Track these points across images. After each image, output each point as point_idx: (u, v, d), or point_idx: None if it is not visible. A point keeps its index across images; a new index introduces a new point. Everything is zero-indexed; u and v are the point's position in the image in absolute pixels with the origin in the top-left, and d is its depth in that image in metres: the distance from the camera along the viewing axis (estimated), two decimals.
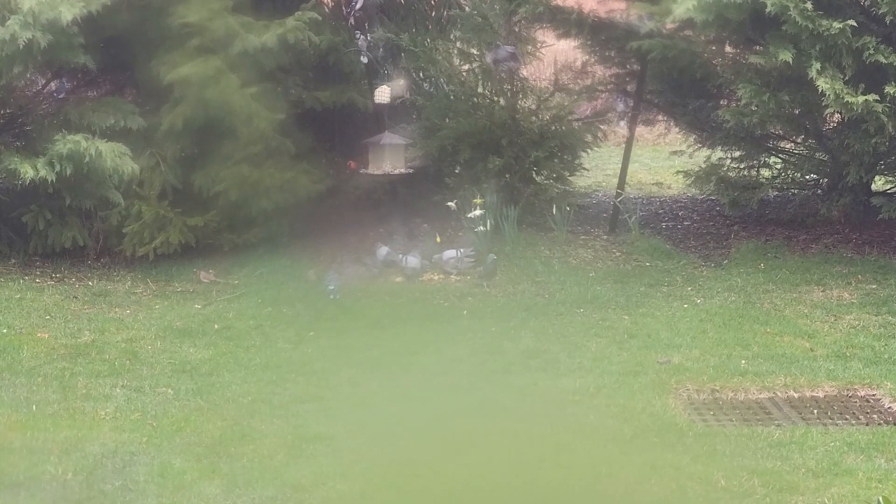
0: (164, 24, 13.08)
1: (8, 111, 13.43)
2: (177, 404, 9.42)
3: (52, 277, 12.89)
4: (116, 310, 11.92)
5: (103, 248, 13.50)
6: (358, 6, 13.95)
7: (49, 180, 12.39)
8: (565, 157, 15.06)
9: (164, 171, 13.26)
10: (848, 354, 10.61)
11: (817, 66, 12.51)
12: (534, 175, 14.84)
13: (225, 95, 12.92)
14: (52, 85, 14.45)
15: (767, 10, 12.49)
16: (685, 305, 12.18)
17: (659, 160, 19.94)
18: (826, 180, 15.28)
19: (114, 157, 12.49)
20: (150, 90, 13.28)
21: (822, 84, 12.44)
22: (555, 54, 15.99)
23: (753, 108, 13.41)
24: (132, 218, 13.19)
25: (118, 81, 13.81)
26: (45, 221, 13.13)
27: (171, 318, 11.69)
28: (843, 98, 12.41)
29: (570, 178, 15.30)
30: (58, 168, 12.36)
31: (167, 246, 13.14)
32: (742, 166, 15.95)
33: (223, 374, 10.16)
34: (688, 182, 16.17)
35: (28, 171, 12.25)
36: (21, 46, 12.13)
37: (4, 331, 11.13)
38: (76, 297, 12.17)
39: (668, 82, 15.65)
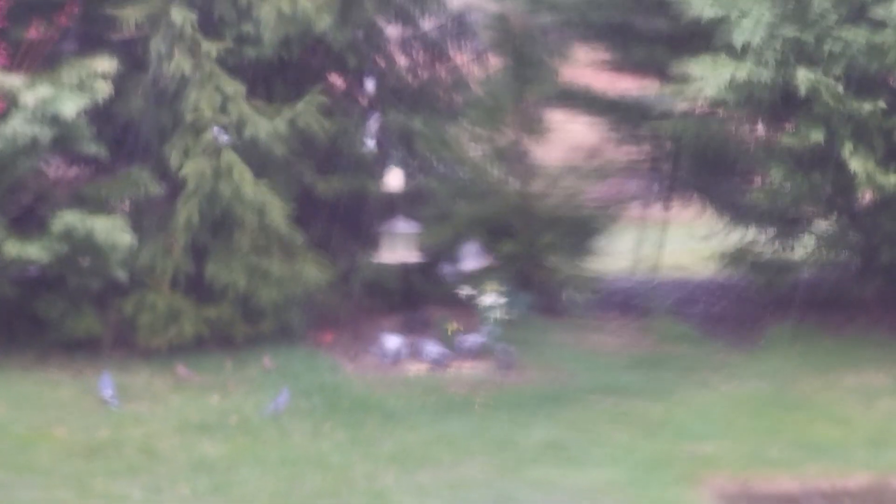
0: (177, 111, 12.99)
1: (22, 201, 13.33)
2: None
3: (68, 370, 12.68)
4: (133, 404, 11.73)
5: (119, 339, 13.32)
6: (369, 89, 13.93)
7: (43, 261, 12.23)
8: (579, 239, 14.91)
9: (178, 259, 13.09)
10: (883, 442, 10.38)
11: (850, 146, 12.41)
12: (547, 258, 14.63)
13: (239, 188, 12.79)
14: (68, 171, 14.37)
15: (800, 91, 12.38)
16: (715, 393, 11.98)
17: (689, 240, 19.71)
18: (859, 259, 15.06)
19: (108, 231, 12.29)
20: (164, 176, 13.16)
21: (854, 164, 12.33)
22: (572, 134, 15.88)
23: (786, 188, 13.27)
24: (146, 309, 13.01)
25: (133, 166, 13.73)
26: (58, 311, 12.93)
27: (188, 412, 11.52)
28: (874, 178, 12.31)
29: (583, 260, 15.08)
30: (48, 245, 12.19)
31: (182, 337, 12.95)
32: (775, 247, 15.72)
33: (240, 470, 10.02)
34: (721, 264, 15.91)
35: (12, 249, 12.05)
36: (22, 144, 12.03)
37: (22, 430, 10.95)
38: (92, 392, 11.98)
39: (699, 162, 15.49)
